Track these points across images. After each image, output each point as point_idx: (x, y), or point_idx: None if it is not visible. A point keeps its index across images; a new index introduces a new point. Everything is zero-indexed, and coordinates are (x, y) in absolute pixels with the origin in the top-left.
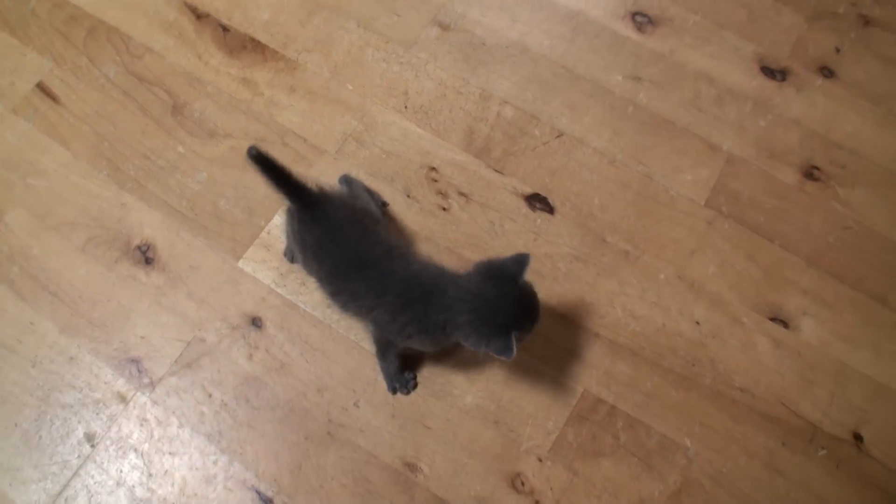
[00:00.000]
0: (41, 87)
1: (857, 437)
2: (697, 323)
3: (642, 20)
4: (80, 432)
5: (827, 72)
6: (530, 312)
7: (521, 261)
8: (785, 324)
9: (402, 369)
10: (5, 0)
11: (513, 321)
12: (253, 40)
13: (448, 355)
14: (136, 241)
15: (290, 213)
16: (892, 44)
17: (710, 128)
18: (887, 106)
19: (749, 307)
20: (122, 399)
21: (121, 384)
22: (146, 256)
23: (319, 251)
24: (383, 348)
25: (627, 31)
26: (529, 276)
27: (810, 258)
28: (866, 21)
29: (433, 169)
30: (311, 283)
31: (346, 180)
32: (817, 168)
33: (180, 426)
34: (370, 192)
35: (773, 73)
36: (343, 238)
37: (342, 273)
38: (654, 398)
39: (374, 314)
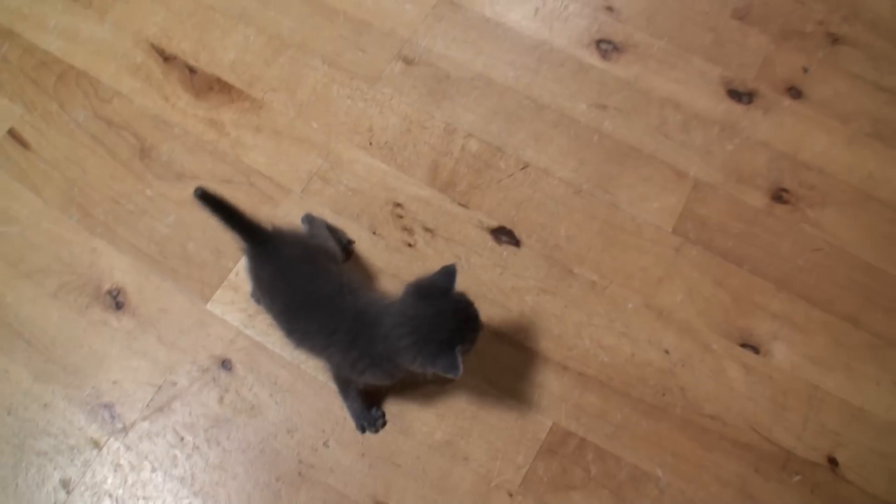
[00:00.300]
0: (12, 134)
1: (832, 462)
2: (666, 352)
3: (607, 47)
4: (55, 479)
5: (795, 92)
6: (469, 323)
7: (448, 272)
8: (755, 349)
9: (367, 406)
10: None
11: (453, 336)
12: (219, 81)
13: (415, 391)
14: (107, 286)
15: (246, 252)
16: (860, 61)
17: (677, 154)
18: (856, 124)
19: (718, 334)
20: (96, 445)
21: (94, 430)
22: (117, 301)
23: (272, 289)
24: (343, 386)
25: (592, 58)
26: (496, 309)
27: (780, 281)
28: (834, 39)
29: (398, 205)
30: None
31: (308, 219)
32: (786, 190)
33: (153, 470)
34: (334, 231)
35: (740, 95)
36: (294, 276)
37: (294, 311)
38: (625, 429)
39: (327, 353)
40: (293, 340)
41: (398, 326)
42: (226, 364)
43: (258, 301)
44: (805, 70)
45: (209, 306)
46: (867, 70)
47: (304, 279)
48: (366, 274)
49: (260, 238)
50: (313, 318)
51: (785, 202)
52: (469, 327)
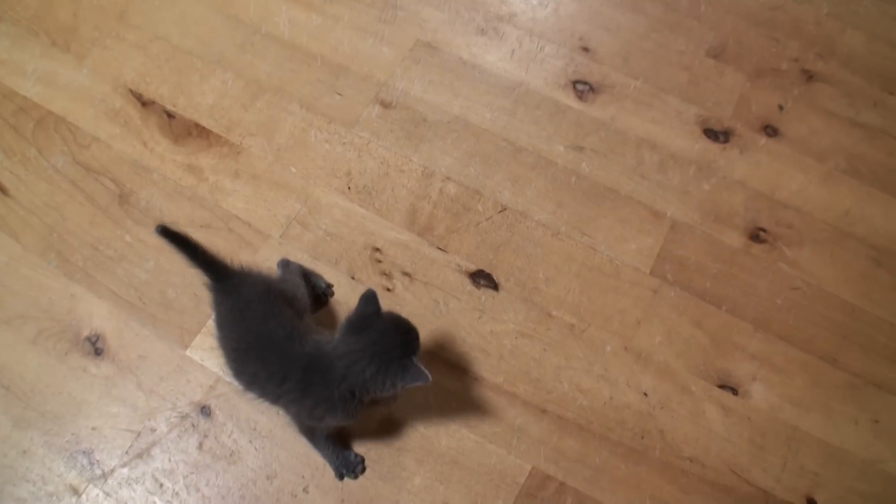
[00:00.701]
0: None
1: (811, 502)
2: (645, 394)
3: (583, 88)
4: None
5: (771, 130)
6: (409, 333)
7: (369, 297)
8: (734, 390)
9: (343, 450)
10: None
11: (405, 348)
12: (197, 126)
13: (393, 435)
14: (86, 332)
15: (208, 287)
16: (835, 98)
17: (654, 194)
18: (832, 162)
19: (697, 375)
20: (75, 491)
21: (73, 476)
22: (96, 347)
23: (225, 327)
24: (309, 434)
25: (569, 99)
26: (475, 353)
27: (758, 322)
28: (809, 76)
29: (377, 249)
30: None
31: (283, 264)
32: (763, 229)
33: None
34: (312, 276)
35: (717, 134)
36: (248, 316)
37: (244, 353)
38: (604, 472)
39: (280, 402)
40: (241, 382)
41: (355, 363)
42: (205, 410)
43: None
44: (781, 108)
45: (189, 352)
46: (842, 107)
47: (257, 320)
48: (333, 319)
49: (220, 274)
50: (263, 362)
51: (762, 241)
52: (411, 336)
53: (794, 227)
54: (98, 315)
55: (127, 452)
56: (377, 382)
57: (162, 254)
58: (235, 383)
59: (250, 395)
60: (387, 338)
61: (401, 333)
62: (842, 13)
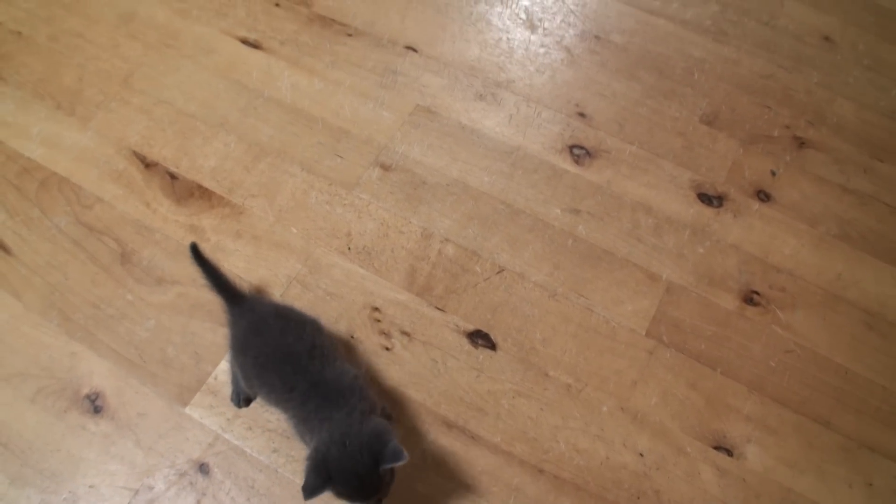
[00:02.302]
0: None
1: None
2: (641, 454)
3: (580, 153)
4: None
5: (763, 195)
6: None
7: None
8: (729, 451)
9: None
10: None
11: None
12: (200, 187)
13: (392, 495)
14: (86, 390)
15: (225, 311)
16: (826, 164)
17: (650, 257)
18: (824, 227)
19: (692, 436)
20: None
21: None
22: (95, 405)
23: (244, 344)
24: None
25: (565, 164)
26: (472, 412)
27: (752, 384)
28: (801, 143)
29: (376, 309)
30: (258, 428)
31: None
32: (757, 293)
33: None
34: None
35: (711, 199)
36: (266, 331)
37: (262, 365)
38: None
39: (283, 406)
40: (261, 395)
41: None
42: (203, 468)
43: (238, 404)
44: (773, 173)
45: (188, 410)
46: (833, 173)
47: (276, 335)
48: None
49: (236, 298)
50: (280, 374)
51: (756, 304)
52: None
53: (787, 290)
54: (98, 373)
55: None
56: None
57: (163, 313)
58: (260, 398)
59: (271, 406)
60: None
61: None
62: (832, 83)
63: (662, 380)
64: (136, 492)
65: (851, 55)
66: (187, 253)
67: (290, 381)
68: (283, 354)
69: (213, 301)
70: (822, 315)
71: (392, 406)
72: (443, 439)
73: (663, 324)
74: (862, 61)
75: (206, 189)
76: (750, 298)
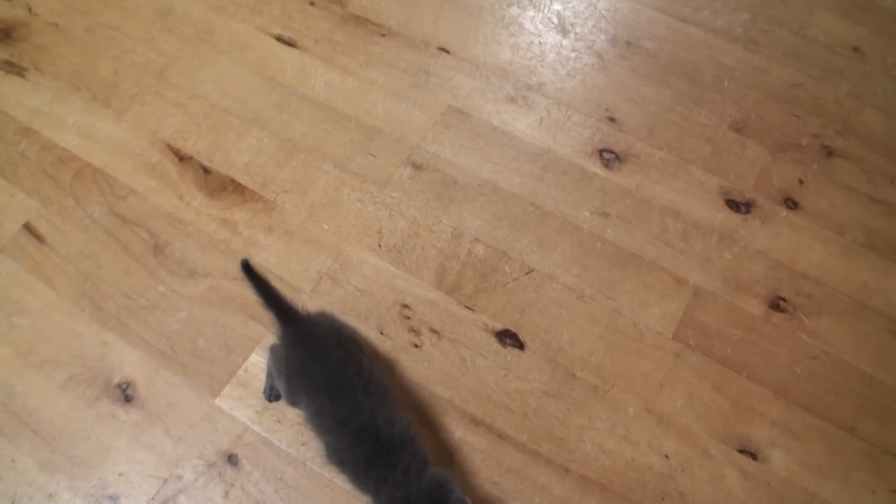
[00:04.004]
0: (28, 228)
1: None
2: (666, 456)
3: (609, 157)
4: None
5: (791, 203)
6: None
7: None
8: (754, 455)
9: None
10: None
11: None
12: (233, 181)
13: None
14: (117, 379)
15: (275, 346)
16: (853, 173)
17: (677, 261)
18: (851, 235)
19: (717, 439)
20: None
21: None
22: (126, 394)
23: (301, 370)
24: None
25: (595, 167)
26: (500, 411)
27: (778, 389)
28: (829, 152)
29: (406, 306)
30: (287, 421)
31: (324, 317)
32: (783, 299)
33: None
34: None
35: (738, 205)
36: (324, 360)
37: (317, 392)
38: None
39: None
40: (312, 425)
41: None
42: (232, 459)
43: (269, 398)
44: (801, 181)
45: (217, 401)
46: (861, 182)
47: (334, 365)
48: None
49: (290, 319)
50: (333, 404)
51: (782, 311)
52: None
53: (813, 297)
54: (129, 362)
55: (153, 499)
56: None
57: (194, 304)
58: (308, 427)
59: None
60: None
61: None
62: (861, 93)
63: (688, 382)
64: (165, 481)
65: (881, 66)
66: (220, 246)
67: (344, 414)
68: (340, 385)
69: (244, 294)
70: (847, 322)
71: (420, 403)
72: (470, 437)
73: (690, 327)
74: (891, 72)
75: (239, 184)
76: (776, 304)
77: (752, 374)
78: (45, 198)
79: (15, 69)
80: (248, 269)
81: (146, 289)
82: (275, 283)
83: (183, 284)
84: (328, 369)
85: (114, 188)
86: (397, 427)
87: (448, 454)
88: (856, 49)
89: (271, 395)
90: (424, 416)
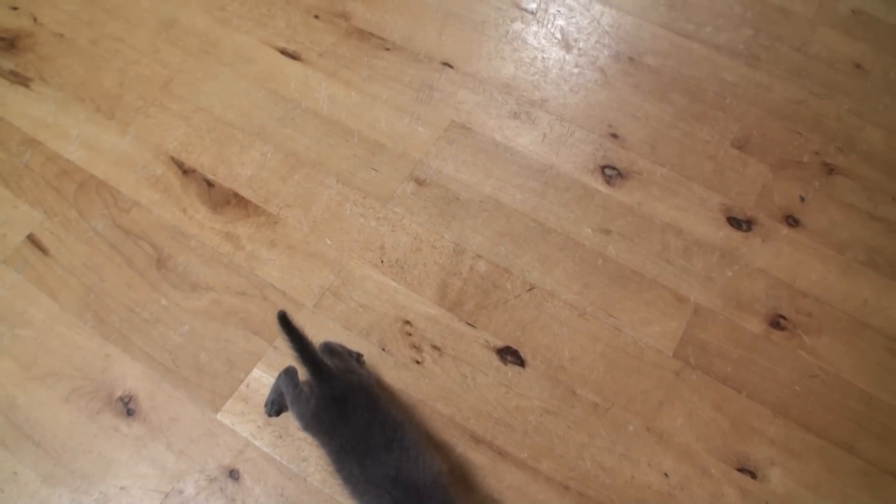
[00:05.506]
0: (31, 239)
1: None
2: (666, 475)
3: (611, 173)
4: None
5: (792, 220)
6: None
7: None
8: (752, 474)
9: None
10: (0, 153)
11: None
12: (236, 195)
13: None
14: (119, 393)
15: (291, 369)
16: (854, 191)
17: (678, 279)
18: (851, 253)
19: (717, 458)
20: None
21: None
22: (128, 408)
23: (332, 428)
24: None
25: (597, 184)
26: (500, 428)
27: (777, 407)
28: (830, 169)
29: (407, 322)
30: (288, 437)
31: (329, 349)
32: (783, 317)
33: None
34: (347, 351)
35: (740, 223)
36: (353, 419)
37: (347, 453)
38: None
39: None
40: (341, 479)
41: None
42: (233, 474)
43: (270, 413)
44: (802, 199)
45: (219, 416)
46: (862, 200)
47: (362, 425)
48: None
49: (324, 375)
50: (361, 465)
51: (782, 329)
52: None
53: (813, 315)
54: (131, 376)
55: None
56: None
57: (196, 318)
58: (337, 480)
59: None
60: None
61: None
62: (862, 110)
63: (688, 401)
64: (167, 495)
65: (882, 82)
66: (222, 260)
67: (372, 476)
68: (369, 447)
69: (246, 309)
70: (847, 341)
71: (421, 419)
72: (471, 453)
73: (690, 345)
74: (893, 88)
75: (243, 197)
76: (776, 322)
77: (751, 392)
78: (49, 209)
79: (20, 79)
80: (286, 323)
81: (149, 302)
82: (277, 298)
83: (185, 298)
84: (357, 433)
85: (117, 200)
86: (432, 482)
87: (448, 471)
88: (857, 65)
89: (272, 411)
90: (426, 433)
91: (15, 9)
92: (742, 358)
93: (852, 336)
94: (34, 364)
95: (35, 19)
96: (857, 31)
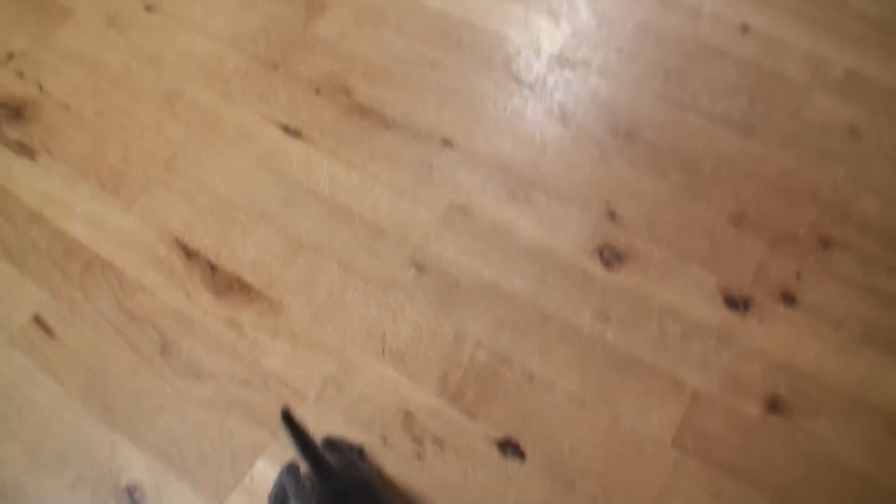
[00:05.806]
0: (37, 320)
1: None
2: None
3: (609, 255)
4: None
5: (788, 298)
6: None
7: None
8: None
9: None
10: (7, 228)
11: None
12: (239, 280)
13: None
14: (125, 482)
15: (292, 466)
16: (850, 263)
17: (676, 364)
18: (847, 329)
19: None
20: None
21: None
22: (133, 498)
23: None
24: None
25: (595, 267)
26: None
27: (776, 493)
28: (826, 243)
29: (409, 414)
30: None
31: (330, 444)
32: (781, 399)
33: None
34: (348, 445)
35: (737, 303)
36: None
37: None
38: None
39: None
40: None
41: None
42: None
43: None
44: (798, 275)
45: None
46: (857, 272)
47: None
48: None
49: (326, 473)
50: None
51: (780, 411)
52: None
53: (810, 396)
54: (137, 465)
55: None
56: None
57: (200, 408)
58: None
59: None
60: None
61: None
62: (857, 177)
63: (686, 490)
64: None
65: (877, 147)
66: (226, 348)
67: None
68: None
69: (249, 398)
70: (844, 421)
71: None
72: None
73: (688, 433)
74: (887, 153)
75: (246, 283)
76: (774, 405)
77: (749, 478)
78: (55, 289)
79: (26, 151)
80: (289, 420)
81: (154, 389)
82: (279, 388)
83: (190, 387)
84: None
85: (122, 283)
86: None
87: None
88: (852, 131)
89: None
90: None
91: (21, 75)
92: (740, 444)
93: (850, 416)
94: (40, 450)
95: (41, 87)
96: (851, 93)
